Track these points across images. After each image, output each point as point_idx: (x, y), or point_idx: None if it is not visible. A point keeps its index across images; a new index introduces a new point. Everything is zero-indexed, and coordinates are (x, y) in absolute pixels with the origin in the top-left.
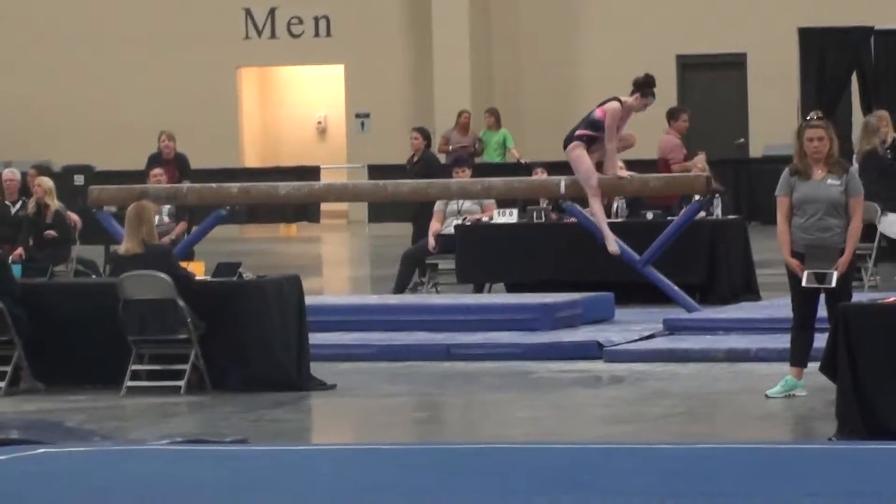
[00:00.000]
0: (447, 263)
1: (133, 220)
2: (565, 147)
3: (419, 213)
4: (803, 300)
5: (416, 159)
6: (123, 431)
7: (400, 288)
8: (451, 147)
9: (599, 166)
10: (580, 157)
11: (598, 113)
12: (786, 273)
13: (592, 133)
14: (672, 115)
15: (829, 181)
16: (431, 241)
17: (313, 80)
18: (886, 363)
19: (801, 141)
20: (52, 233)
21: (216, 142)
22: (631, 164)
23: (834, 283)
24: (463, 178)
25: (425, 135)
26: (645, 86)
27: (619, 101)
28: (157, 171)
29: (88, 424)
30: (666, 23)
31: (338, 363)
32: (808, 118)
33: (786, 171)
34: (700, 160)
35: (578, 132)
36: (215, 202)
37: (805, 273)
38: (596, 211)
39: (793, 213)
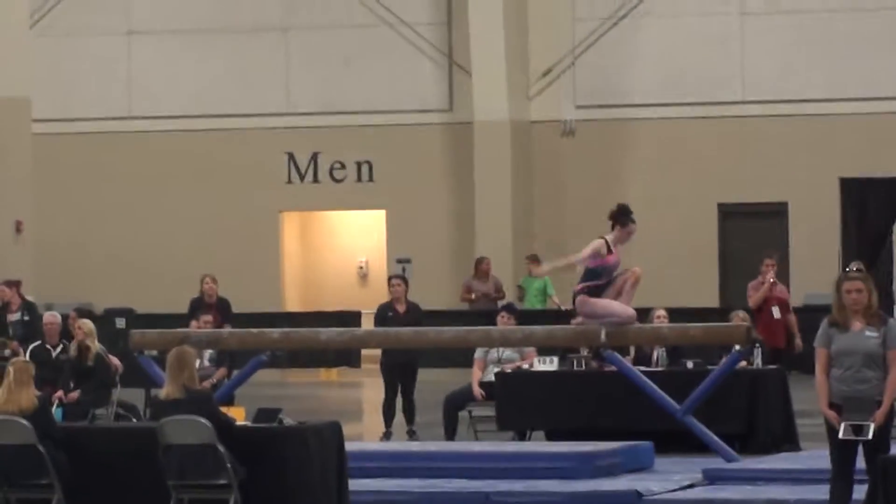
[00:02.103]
0: (487, 410)
1: (174, 365)
2: (574, 305)
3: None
4: (841, 452)
5: (403, 309)
6: None
7: (450, 434)
8: (473, 295)
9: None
10: (593, 302)
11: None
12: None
13: (590, 283)
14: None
15: (867, 333)
16: (477, 389)
17: (355, 225)
18: None
19: (839, 292)
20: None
21: (258, 286)
22: (672, 313)
23: (870, 436)
24: (507, 325)
25: (406, 282)
26: (620, 216)
27: (604, 238)
28: (207, 317)
29: None
30: (707, 171)
31: None
32: (847, 270)
33: (824, 322)
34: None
35: (578, 287)
36: (256, 347)
37: (842, 425)
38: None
39: (831, 364)
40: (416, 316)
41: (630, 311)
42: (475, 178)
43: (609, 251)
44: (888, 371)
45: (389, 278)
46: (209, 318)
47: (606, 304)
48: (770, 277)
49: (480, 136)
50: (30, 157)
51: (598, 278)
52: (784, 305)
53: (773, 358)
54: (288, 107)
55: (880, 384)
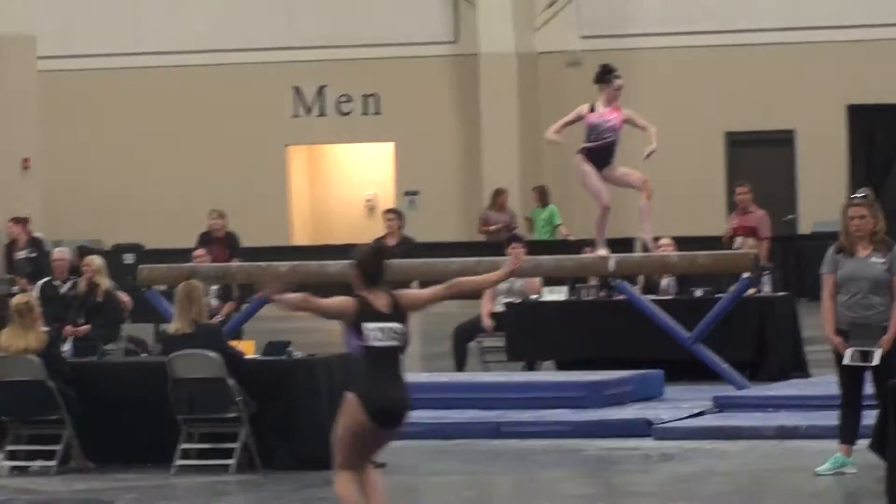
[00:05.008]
0: (497, 341)
1: (183, 300)
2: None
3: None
4: (848, 378)
5: (393, 242)
6: None
7: (460, 365)
8: (491, 227)
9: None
10: (584, 171)
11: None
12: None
13: (589, 144)
14: None
15: (873, 259)
16: (486, 321)
17: (362, 158)
18: None
19: (845, 219)
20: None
21: (265, 220)
22: (680, 242)
23: (877, 361)
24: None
25: (401, 216)
26: (602, 75)
27: (590, 105)
28: (200, 251)
29: None
30: (715, 100)
31: None
32: (852, 196)
33: (831, 249)
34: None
35: (580, 149)
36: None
37: (848, 351)
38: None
39: (837, 290)
40: (406, 249)
41: (603, 199)
42: (481, 110)
43: (592, 111)
44: (894, 297)
45: (384, 212)
46: (201, 252)
47: (593, 182)
48: (748, 206)
49: (486, 68)
50: (35, 94)
51: (588, 139)
52: (754, 234)
53: None
54: (294, 41)
55: (887, 310)
